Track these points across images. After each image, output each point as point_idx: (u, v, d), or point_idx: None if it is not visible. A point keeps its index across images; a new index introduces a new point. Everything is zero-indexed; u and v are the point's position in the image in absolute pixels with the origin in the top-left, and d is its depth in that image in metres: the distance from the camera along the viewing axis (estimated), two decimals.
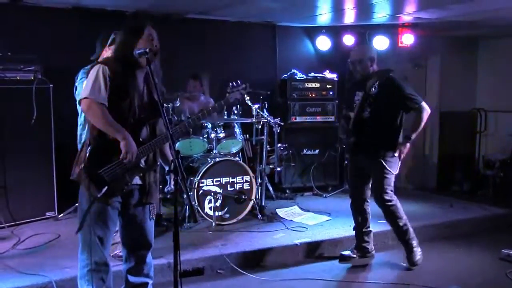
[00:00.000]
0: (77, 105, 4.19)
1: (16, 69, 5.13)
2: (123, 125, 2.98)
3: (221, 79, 6.46)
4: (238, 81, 3.56)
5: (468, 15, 5.70)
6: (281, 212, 5.82)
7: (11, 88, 5.08)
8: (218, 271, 4.39)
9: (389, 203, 4.47)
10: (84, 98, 2.94)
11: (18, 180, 5.14)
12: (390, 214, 4.51)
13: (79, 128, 4.28)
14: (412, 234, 4.58)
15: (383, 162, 4.36)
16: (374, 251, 4.76)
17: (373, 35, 7.08)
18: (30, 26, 5.76)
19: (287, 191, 6.84)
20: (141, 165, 3.10)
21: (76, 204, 5.50)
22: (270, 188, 6.45)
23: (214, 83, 6.36)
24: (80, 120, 4.25)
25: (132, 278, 3.29)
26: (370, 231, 4.71)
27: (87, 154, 2.98)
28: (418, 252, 4.58)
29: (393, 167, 4.43)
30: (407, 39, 6.87)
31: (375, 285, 4.26)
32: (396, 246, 5.09)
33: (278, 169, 6.32)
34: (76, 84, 4.21)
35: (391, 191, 4.49)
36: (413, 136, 4.37)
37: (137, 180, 3.13)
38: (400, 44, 6.94)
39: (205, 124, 5.55)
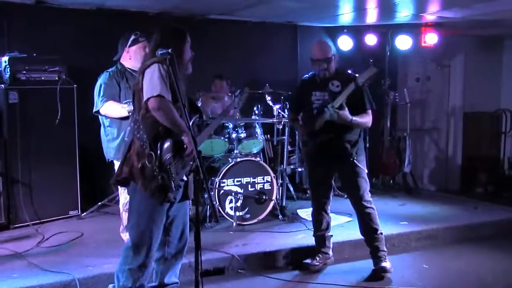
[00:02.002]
0: (99, 116, 4.25)
1: (41, 70, 5.21)
2: None
3: (242, 80, 6.49)
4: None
5: (493, 14, 5.61)
6: (302, 212, 5.80)
7: (36, 89, 5.16)
8: (239, 271, 4.40)
9: (370, 205, 4.31)
10: (155, 96, 2.90)
11: (42, 179, 5.22)
12: (371, 219, 4.30)
13: (106, 139, 4.27)
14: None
15: (357, 162, 4.26)
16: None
17: (396, 35, 7.02)
18: (54, 27, 5.84)
19: (308, 191, 6.80)
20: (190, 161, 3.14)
21: (99, 203, 5.66)
22: (291, 189, 6.44)
23: (235, 83, 6.37)
24: (107, 131, 4.24)
25: (167, 279, 3.33)
26: (331, 235, 4.60)
27: (147, 152, 2.94)
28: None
29: (365, 166, 4.34)
30: (431, 38, 6.78)
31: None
32: (418, 248, 5.06)
33: (299, 169, 6.30)
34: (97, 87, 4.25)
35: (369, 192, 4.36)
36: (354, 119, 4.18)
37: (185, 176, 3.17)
38: (423, 44, 6.86)
39: (226, 124, 5.56)
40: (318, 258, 4.49)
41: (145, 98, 2.94)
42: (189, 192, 3.23)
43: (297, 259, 4.63)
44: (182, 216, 3.30)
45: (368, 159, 7.07)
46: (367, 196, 4.32)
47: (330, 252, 4.57)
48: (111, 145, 4.20)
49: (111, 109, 4.10)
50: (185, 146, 3.01)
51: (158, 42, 3.09)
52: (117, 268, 3.17)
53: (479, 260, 4.80)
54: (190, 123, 3.02)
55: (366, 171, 4.35)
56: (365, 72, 4.14)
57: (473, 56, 7.71)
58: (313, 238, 4.57)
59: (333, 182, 4.51)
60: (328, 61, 4.25)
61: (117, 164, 4.24)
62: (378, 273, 4.27)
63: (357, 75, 4.22)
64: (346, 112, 4.10)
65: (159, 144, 2.95)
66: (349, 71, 4.49)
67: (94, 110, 4.22)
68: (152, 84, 2.93)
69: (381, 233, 4.35)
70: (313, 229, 4.58)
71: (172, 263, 3.38)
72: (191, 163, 3.12)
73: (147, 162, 2.92)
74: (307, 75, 4.56)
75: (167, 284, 3.34)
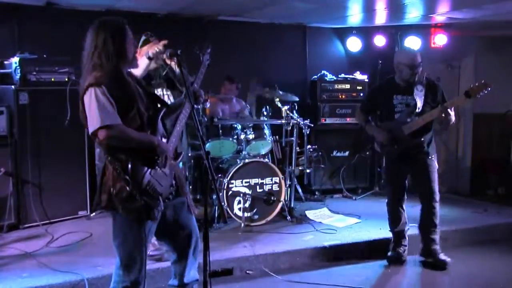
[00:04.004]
0: None
1: (51, 71, 5.26)
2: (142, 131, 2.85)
3: (252, 80, 6.50)
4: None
5: (503, 14, 5.57)
6: (310, 214, 5.79)
7: (46, 90, 5.21)
8: (247, 271, 4.40)
9: (437, 201, 4.55)
10: (98, 128, 2.67)
11: (52, 179, 5.26)
12: (435, 213, 4.54)
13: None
14: None
15: (433, 159, 4.50)
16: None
17: (405, 36, 6.99)
18: (64, 28, 5.87)
19: (317, 193, 6.80)
20: (172, 161, 3.01)
21: None
22: (300, 190, 6.43)
23: (244, 84, 6.38)
24: None
25: (186, 279, 3.26)
26: (408, 229, 4.80)
27: (128, 173, 2.74)
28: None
29: (436, 163, 4.59)
30: (440, 39, 6.76)
31: None
32: None
33: (308, 170, 6.30)
34: None
35: None
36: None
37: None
38: (432, 45, 6.83)
39: (235, 126, 5.57)
40: (400, 252, 4.69)
41: (90, 132, 2.74)
42: (180, 190, 3.10)
43: (305, 260, 4.63)
44: (183, 215, 3.15)
45: (377, 161, 7.13)
46: (437, 191, 4.54)
47: (407, 244, 4.75)
48: None
49: None
50: (157, 155, 2.86)
51: (100, 45, 2.85)
52: (111, 286, 3.05)
53: (489, 263, 4.77)
54: (159, 121, 2.91)
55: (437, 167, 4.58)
56: (455, 99, 4.45)
57: (483, 57, 7.65)
58: (391, 233, 4.77)
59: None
60: (419, 66, 4.41)
61: None
62: (441, 265, 4.52)
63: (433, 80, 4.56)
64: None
65: (130, 166, 2.75)
66: (426, 75, 4.58)
67: None
68: (92, 115, 2.69)
69: (439, 229, 4.62)
70: (390, 225, 4.75)
71: (188, 262, 3.25)
72: (173, 162, 3.00)
73: (126, 187, 2.74)
74: (384, 80, 4.73)
75: (187, 283, 3.29)
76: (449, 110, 4.20)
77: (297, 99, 6.09)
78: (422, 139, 4.43)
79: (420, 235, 4.68)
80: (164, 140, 2.99)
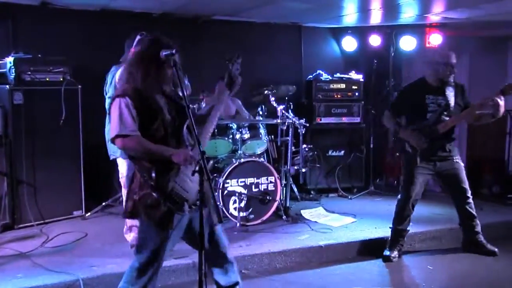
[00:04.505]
0: (106, 105, 4.26)
1: (45, 71, 5.23)
2: (165, 143, 2.92)
3: (247, 80, 6.48)
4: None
5: (498, 14, 5.59)
6: (305, 213, 5.80)
7: (41, 89, 5.18)
8: (243, 271, 4.39)
9: (471, 196, 4.77)
10: (115, 137, 2.87)
11: (47, 179, 5.24)
12: (473, 208, 4.77)
13: (108, 137, 4.26)
14: None
15: (459, 159, 4.70)
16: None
17: (400, 36, 7.01)
18: (59, 28, 5.86)
19: (312, 192, 6.81)
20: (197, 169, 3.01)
21: (103, 204, 5.68)
22: (295, 189, 6.44)
23: (242, 83, 6.36)
24: (108, 126, 4.24)
25: (224, 283, 3.28)
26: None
27: (153, 180, 2.85)
28: None
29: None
30: (435, 39, 6.77)
31: None
32: (423, 249, 5.04)
33: (303, 170, 6.31)
34: (106, 87, 4.26)
35: None
36: None
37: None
38: (427, 45, 6.84)
39: (230, 125, 5.56)
40: (397, 251, 4.75)
41: (109, 139, 2.92)
42: (206, 200, 3.09)
43: (300, 260, 4.64)
44: (207, 223, 3.14)
45: (372, 160, 7.15)
46: (468, 187, 4.76)
47: (404, 244, 4.86)
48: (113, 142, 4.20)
49: None
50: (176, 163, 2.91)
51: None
52: (120, 284, 3.10)
53: (484, 262, 4.78)
54: (184, 130, 2.99)
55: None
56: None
57: (477, 57, 7.68)
58: (390, 230, 4.83)
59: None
60: (456, 66, 4.56)
61: (120, 162, 4.25)
62: (492, 254, 4.78)
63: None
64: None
65: (154, 173, 2.87)
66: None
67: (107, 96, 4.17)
68: (113, 124, 2.88)
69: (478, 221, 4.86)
70: (395, 222, 4.80)
71: (224, 269, 3.28)
72: (196, 168, 2.99)
73: (152, 193, 2.87)
74: (415, 81, 4.84)
75: (227, 286, 3.32)
76: (500, 101, 4.35)
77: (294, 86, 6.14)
78: (453, 136, 4.64)
79: (463, 231, 4.92)
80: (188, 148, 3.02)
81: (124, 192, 4.21)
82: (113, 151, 4.24)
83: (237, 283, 3.31)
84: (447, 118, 4.53)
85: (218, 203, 5.13)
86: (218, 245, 3.23)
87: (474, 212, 4.82)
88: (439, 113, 4.55)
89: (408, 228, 4.80)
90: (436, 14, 5.97)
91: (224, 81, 3.30)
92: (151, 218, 2.90)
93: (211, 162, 5.57)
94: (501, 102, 4.34)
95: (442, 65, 4.54)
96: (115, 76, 4.19)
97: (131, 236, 4.25)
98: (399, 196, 4.84)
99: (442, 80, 4.57)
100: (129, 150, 2.93)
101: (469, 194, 4.78)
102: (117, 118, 2.85)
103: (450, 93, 4.57)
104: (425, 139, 4.54)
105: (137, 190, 2.93)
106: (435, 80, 4.61)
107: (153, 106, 2.92)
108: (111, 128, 2.91)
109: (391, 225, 4.86)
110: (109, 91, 4.31)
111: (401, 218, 4.77)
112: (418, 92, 4.67)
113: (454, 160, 4.68)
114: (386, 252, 4.75)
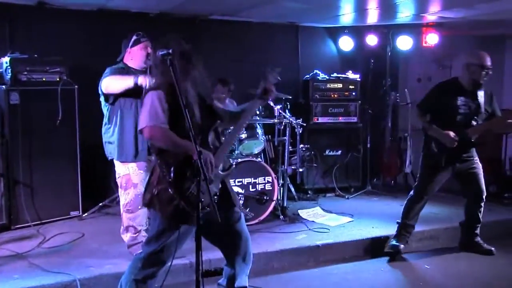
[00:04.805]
0: (102, 106, 4.24)
1: (42, 71, 5.21)
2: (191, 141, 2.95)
3: (244, 80, 6.49)
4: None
5: (494, 14, 5.60)
6: (303, 213, 5.80)
7: (37, 90, 5.16)
8: None
9: (484, 201, 4.78)
10: (144, 127, 2.93)
11: (43, 179, 5.23)
12: (481, 211, 4.80)
13: (104, 137, 4.25)
14: None
15: (478, 161, 4.70)
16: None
17: (397, 35, 7.02)
18: (56, 28, 5.85)
19: (309, 192, 6.81)
20: (220, 172, 3.13)
21: (100, 204, 5.66)
22: (292, 189, 6.44)
23: (237, 84, 6.37)
24: (106, 129, 4.22)
25: (235, 284, 3.36)
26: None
27: (171, 176, 2.92)
28: None
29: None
30: (432, 39, 6.78)
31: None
32: (420, 248, 5.05)
33: (300, 170, 6.30)
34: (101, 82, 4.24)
35: None
36: None
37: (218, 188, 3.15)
38: (424, 44, 6.86)
39: None
40: (403, 244, 4.80)
41: (138, 129, 3.01)
42: (232, 200, 3.24)
43: (298, 259, 4.64)
44: (231, 223, 3.26)
45: (369, 160, 7.15)
46: (485, 190, 4.77)
47: (409, 241, 4.90)
48: (109, 143, 4.20)
49: (111, 82, 3.95)
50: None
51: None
52: (124, 276, 3.17)
53: (480, 261, 4.79)
54: (210, 132, 3.05)
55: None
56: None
57: None
58: (397, 225, 4.85)
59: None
60: (491, 69, 4.53)
61: (117, 163, 4.24)
62: (489, 253, 4.84)
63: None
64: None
65: (173, 170, 2.94)
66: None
67: (100, 91, 4.17)
68: (143, 114, 2.97)
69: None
70: (404, 216, 4.81)
71: (237, 268, 3.38)
72: (224, 173, 3.16)
73: (169, 190, 2.92)
74: (447, 80, 4.85)
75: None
76: None
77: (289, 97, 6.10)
78: (478, 141, 4.65)
79: (463, 230, 4.96)
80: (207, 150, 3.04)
81: (121, 192, 4.21)
82: (110, 152, 4.23)
83: (244, 287, 3.36)
84: (475, 123, 4.53)
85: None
86: (239, 243, 3.31)
87: (480, 217, 4.82)
88: (469, 116, 4.53)
89: (415, 224, 4.83)
90: (433, 14, 5.98)
91: (259, 92, 3.41)
92: (165, 213, 2.97)
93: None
94: None
95: (477, 67, 4.48)
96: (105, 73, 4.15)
97: (127, 237, 4.24)
98: (411, 193, 4.83)
99: (477, 82, 4.51)
100: (156, 140, 2.98)
101: (483, 196, 4.75)
102: (147, 109, 2.93)
103: (481, 98, 4.55)
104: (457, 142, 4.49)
105: (155, 184, 3.00)
106: (469, 82, 4.55)
107: (185, 103, 2.93)
108: (140, 119, 3.00)
109: (398, 220, 4.84)
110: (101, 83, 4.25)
111: (411, 214, 4.78)
112: (450, 92, 4.60)
113: (474, 160, 4.68)
114: (394, 242, 4.78)
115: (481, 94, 4.56)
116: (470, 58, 4.56)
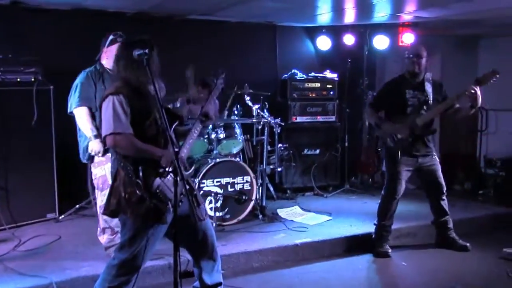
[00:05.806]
0: (74, 117, 4.24)
1: (16, 71, 5.13)
2: (155, 141, 3.00)
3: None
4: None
5: (468, 14, 5.69)
6: (282, 212, 5.82)
7: (12, 90, 5.08)
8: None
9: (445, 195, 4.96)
10: (109, 134, 2.90)
11: (19, 181, 5.15)
12: (446, 204, 4.98)
13: (80, 140, 4.27)
14: None
15: (436, 157, 4.85)
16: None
17: (373, 35, 7.08)
18: (30, 28, 5.76)
19: (288, 191, 6.83)
20: (184, 172, 3.10)
21: (77, 206, 5.59)
22: (271, 189, 6.45)
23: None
24: (80, 132, 4.25)
25: (207, 281, 3.39)
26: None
27: (139, 177, 2.91)
28: None
29: None
30: (408, 38, 6.86)
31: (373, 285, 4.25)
32: (397, 245, 5.11)
33: (279, 169, 6.32)
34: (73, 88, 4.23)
35: None
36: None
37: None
38: (400, 43, 6.93)
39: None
40: (387, 244, 4.88)
41: (102, 136, 2.99)
42: (196, 199, 3.26)
43: (277, 258, 4.65)
44: (193, 221, 3.21)
45: (347, 158, 7.21)
46: (444, 183, 4.93)
47: (390, 238, 4.98)
48: (82, 146, 4.19)
49: (80, 118, 4.16)
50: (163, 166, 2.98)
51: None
52: (98, 283, 3.13)
53: (456, 257, 4.87)
54: (171, 132, 3.00)
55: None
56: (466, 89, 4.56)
57: (449, 55, 7.81)
58: (375, 226, 4.92)
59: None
60: (423, 58, 4.72)
61: (93, 164, 4.21)
62: (464, 249, 4.93)
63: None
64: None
65: (141, 171, 2.92)
66: (432, 76, 4.89)
67: (68, 111, 4.21)
68: (105, 121, 2.93)
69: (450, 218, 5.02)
70: (381, 219, 4.87)
71: (204, 266, 3.41)
72: (186, 173, 3.15)
73: (137, 191, 2.90)
74: (396, 77, 4.97)
75: (210, 285, 3.41)
76: (478, 91, 4.47)
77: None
78: (432, 129, 4.77)
79: (436, 228, 5.07)
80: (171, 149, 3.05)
81: (98, 193, 4.17)
82: (81, 155, 4.23)
83: (220, 284, 3.35)
84: (424, 113, 4.66)
85: (194, 203, 5.10)
86: (206, 241, 3.33)
87: (447, 209, 4.96)
88: (417, 107, 4.68)
89: (392, 223, 4.89)
90: (408, 14, 6.05)
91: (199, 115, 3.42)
92: (137, 216, 2.93)
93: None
94: (478, 92, 4.46)
95: (407, 58, 4.74)
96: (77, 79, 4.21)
97: (104, 238, 4.21)
98: (382, 192, 4.91)
99: (412, 72, 4.71)
100: (120, 148, 2.94)
101: (444, 190, 4.93)
102: (110, 116, 2.88)
103: (429, 89, 4.71)
104: (408, 131, 4.64)
105: (122, 188, 2.95)
106: (408, 75, 4.76)
107: (147, 104, 2.96)
108: (102, 126, 2.96)
109: (375, 222, 4.92)
110: (70, 98, 4.26)
111: (386, 214, 4.85)
112: (398, 88, 4.79)
113: (433, 156, 4.82)
114: (380, 249, 4.84)
115: (428, 86, 4.74)
116: (404, 52, 4.88)
